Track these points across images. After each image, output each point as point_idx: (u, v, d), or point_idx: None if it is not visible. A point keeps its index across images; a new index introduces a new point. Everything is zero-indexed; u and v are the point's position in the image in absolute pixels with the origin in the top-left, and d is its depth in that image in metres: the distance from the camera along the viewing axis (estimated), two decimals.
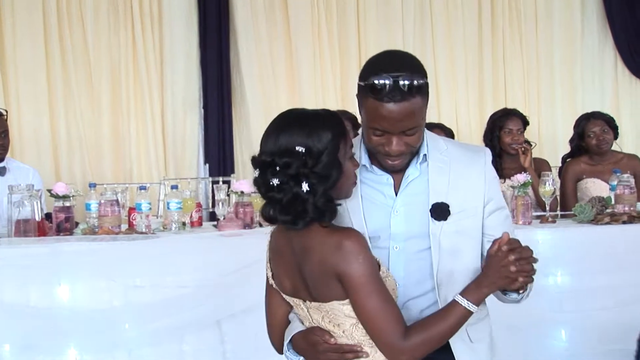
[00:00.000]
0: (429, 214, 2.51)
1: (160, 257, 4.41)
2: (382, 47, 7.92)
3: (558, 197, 5.87)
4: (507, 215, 2.67)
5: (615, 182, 5.27)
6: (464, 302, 2.32)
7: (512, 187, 5.03)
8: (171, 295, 4.36)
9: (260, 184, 2.32)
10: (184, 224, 4.81)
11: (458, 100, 8.19)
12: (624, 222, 4.87)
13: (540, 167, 5.94)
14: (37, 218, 4.54)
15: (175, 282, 4.34)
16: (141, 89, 7.52)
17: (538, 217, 5.12)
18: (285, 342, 2.54)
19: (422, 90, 2.42)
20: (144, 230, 4.62)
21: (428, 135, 2.61)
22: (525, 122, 6.15)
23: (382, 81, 2.35)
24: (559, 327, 4.78)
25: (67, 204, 4.61)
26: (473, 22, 8.23)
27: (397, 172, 2.55)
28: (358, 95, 2.49)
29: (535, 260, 2.39)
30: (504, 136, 6.05)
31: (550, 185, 5.15)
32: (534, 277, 2.40)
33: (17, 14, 7.25)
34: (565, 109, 8.30)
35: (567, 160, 6.22)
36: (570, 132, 6.23)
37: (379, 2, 8.04)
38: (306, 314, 2.45)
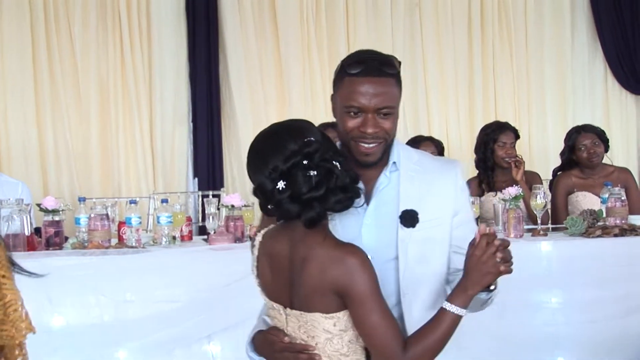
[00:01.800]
0: (398, 221, 2.57)
1: (151, 272, 4.42)
2: None
3: (549, 211, 5.89)
4: (474, 228, 2.69)
5: (606, 195, 5.30)
6: (452, 308, 2.37)
7: (504, 200, 5.06)
8: (161, 309, 4.37)
9: (296, 188, 2.32)
10: (174, 238, 4.82)
11: (448, 114, 8.19)
12: (616, 235, 4.90)
13: (531, 180, 5.95)
14: (27, 233, 4.54)
15: (166, 296, 4.36)
16: (130, 103, 7.51)
17: (529, 230, 5.14)
18: (247, 343, 2.60)
19: (398, 75, 2.55)
20: (134, 244, 4.62)
21: (400, 145, 2.70)
22: (516, 136, 6.20)
23: (361, 60, 2.51)
24: (551, 340, 4.79)
25: (57, 218, 4.61)
26: (463, 35, 8.24)
27: (367, 180, 2.58)
28: (333, 89, 2.61)
29: (508, 244, 2.44)
30: (497, 150, 6.08)
31: (541, 199, 5.17)
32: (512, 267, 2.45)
33: (4, 27, 7.24)
34: (556, 122, 8.31)
35: (558, 173, 6.25)
36: (561, 145, 6.26)
37: (369, 16, 8.05)
38: (283, 320, 2.47)
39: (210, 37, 7.66)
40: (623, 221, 5.11)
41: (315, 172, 2.32)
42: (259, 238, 2.53)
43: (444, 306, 2.39)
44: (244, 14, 7.77)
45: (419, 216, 2.57)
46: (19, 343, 1.79)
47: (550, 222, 5.80)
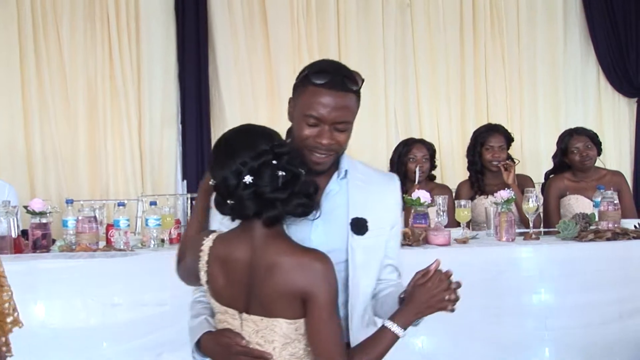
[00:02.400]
0: (349, 227, 2.66)
1: (139, 275, 4.40)
2: (363, 64, 7.96)
3: (541, 214, 5.89)
4: (400, 241, 2.92)
5: (599, 199, 5.30)
6: (394, 328, 2.52)
7: (496, 203, 5.06)
8: (150, 313, 4.36)
9: (262, 185, 2.37)
10: (162, 240, 4.81)
11: (440, 116, 8.20)
12: (608, 239, 4.90)
13: (523, 183, 5.95)
14: (13, 235, 4.52)
15: (154, 299, 4.34)
16: (118, 104, 7.51)
17: (521, 234, 5.14)
18: (192, 343, 2.61)
19: (357, 93, 2.62)
20: (122, 247, 4.62)
21: (348, 157, 2.78)
22: (508, 139, 6.18)
23: (327, 71, 2.56)
24: (543, 345, 4.79)
25: (44, 220, 4.60)
26: (455, 36, 8.26)
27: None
28: (293, 94, 2.65)
29: (459, 286, 2.62)
30: (485, 153, 6.08)
31: (533, 202, 5.16)
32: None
33: None
34: (548, 124, 8.33)
35: (550, 176, 6.25)
36: (553, 148, 6.26)
37: (360, 19, 8.06)
38: (237, 324, 2.49)
39: (199, 38, 7.67)
40: (616, 225, 5.11)
41: (283, 173, 2.37)
42: (208, 243, 2.52)
43: (386, 325, 2.53)
44: (233, 14, 7.77)
45: (367, 224, 2.69)
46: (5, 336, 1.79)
47: (542, 225, 5.80)
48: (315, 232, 2.62)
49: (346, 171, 2.72)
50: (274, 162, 2.37)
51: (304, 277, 2.35)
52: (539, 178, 6.65)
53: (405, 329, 2.53)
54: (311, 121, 2.55)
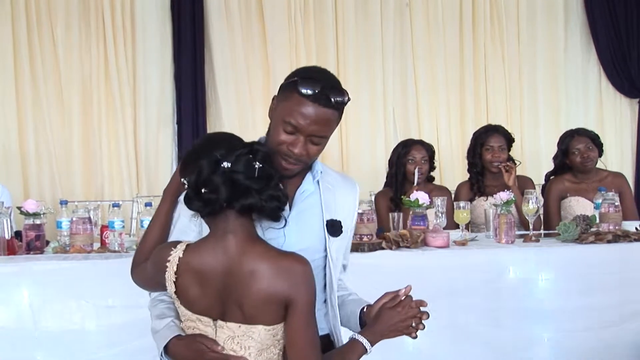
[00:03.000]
0: (325, 229, 2.74)
1: None
2: (361, 64, 7.98)
3: (541, 216, 5.89)
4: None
5: (599, 201, 5.31)
6: (364, 342, 2.62)
7: (495, 205, 5.05)
8: (144, 315, 4.31)
9: (238, 170, 2.38)
10: None
11: (439, 117, 8.18)
12: (609, 241, 4.90)
13: (523, 185, 5.93)
14: (7, 236, 4.52)
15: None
16: (113, 104, 7.50)
17: (521, 236, 5.14)
18: (160, 348, 2.59)
19: (341, 109, 2.61)
20: (117, 248, 4.62)
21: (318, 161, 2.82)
22: (509, 139, 6.17)
23: (316, 83, 2.54)
24: (542, 348, 4.79)
25: (38, 221, 4.59)
26: (454, 36, 8.25)
27: (290, 186, 2.67)
28: (279, 94, 2.65)
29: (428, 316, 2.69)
30: (485, 153, 6.08)
31: (533, 204, 5.16)
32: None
33: None
34: (549, 125, 8.32)
35: (551, 178, 6.25)
36: (553, 149, 6.26)
37: (358, 19, 8.04)
38: (210, 332, 2.47)
39: (195, 37, 7.66)
40: (617, 227, 5.12)
41: (260, 165, 2.39)
42: (177, 253, 2.49)
43: (357, 338, 2.63)
44: (230, 14, 7.76)
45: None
46: None
47: (542, 227, 5.80)
48: (288, 230, 2.63)
49: (321, 172, 2.77)
50: (250, 155, 2.39)
51: (284, 282, 2.36)
52: (539, 179, 6.65)
53: (373, 345, 2.63)
54: (289, 128, 2.55)
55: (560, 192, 6.07)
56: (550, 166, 6.36)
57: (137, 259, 2.78)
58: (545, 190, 6.23)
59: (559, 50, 8.47)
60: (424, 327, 2.66)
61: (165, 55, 7.70)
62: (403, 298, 2.67)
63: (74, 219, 4.60)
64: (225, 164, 2.36)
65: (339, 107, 2.58)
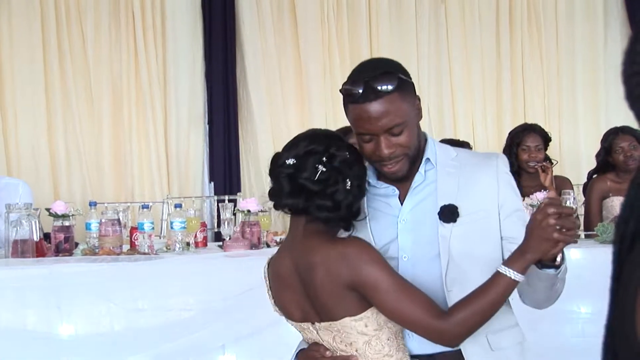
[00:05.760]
0: (438, 217, 2.56)
1: (163, 279, 4.43)
2: None
3: (580, 216, 5.85)
4: (523, 217, 2.65)
5: None
6: (507, 272, 2.31)
7: (531, 205, 5.03)
8: (174, 318, 4.38)
9: (299, 170, 2.39)
10: (188, 244, 4.82)
11: (475, 115, 8.16)
12: None
13: (561, 185, 5.90)
14: (36, 238, 4.55)
15: (179, 305, 4.37)
16: (143, 104, 7.54)
17: None
18: None
19: (400, 87, 2.49)
20: (146, 250, 4.64)
21: (436, 143, 2.71)
22: (546, 139, 6.12)
23: (354, 84, 2.48)
24: (581, 354, 4.76)
25: (67, 223, 4.63)
26: (491, 34, 8.22)
27: (403, 182, 2.61)
28: (344, 108, 2.59)
29: (570, 211, 2.37)
30: (521, 153, 6.03)
31: (571, 204, 5.13)
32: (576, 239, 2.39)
33: (14, 28, 7.30)
34: (588, 124, 8.25)
35: (593, 176, 6.20)
36: (593, 149, 6.22)
37: (392, 16, 8.03)
38: (316, 336, 2.49)
39: (227, 36, 7.69)
40: None
41: (324, 169, 2.37)
42: (265, 267, 2.57)
43: (499, 269, 2.34)
44: (262, 12, 7.78)
45: (460, 210, 2.55)
46: None
47: (582, 227, 5.76)
48: (402, 227, 2.59)
49: (430, 160, 2.63)
50: (323, 158, 2.38)
51: (340, 268, 2.34)
52: (578, 180, 6.61)
53: (522, 272, 2.32)
54: (365, 137, 2.51)
55: (602, 192, 6.01)
56: (589, 166, 6.32)
57: None
58: (587, 189, 6.18)
59: (598, 48, 8.40)
60: (574, 226, 2.32)
61: (196, 55, 7.72)
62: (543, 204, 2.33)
63: (103, 220, 4.64)
64: (290, 160, 2.39)
65: (393, 90, 2.46)
